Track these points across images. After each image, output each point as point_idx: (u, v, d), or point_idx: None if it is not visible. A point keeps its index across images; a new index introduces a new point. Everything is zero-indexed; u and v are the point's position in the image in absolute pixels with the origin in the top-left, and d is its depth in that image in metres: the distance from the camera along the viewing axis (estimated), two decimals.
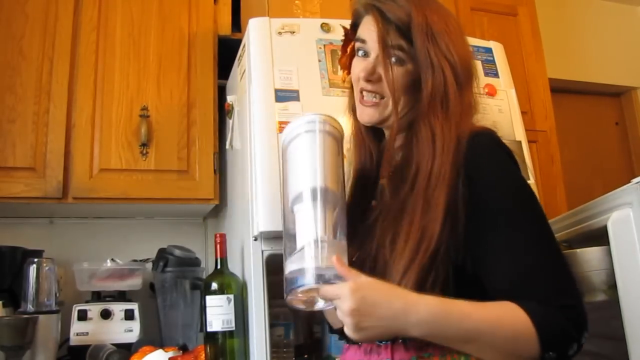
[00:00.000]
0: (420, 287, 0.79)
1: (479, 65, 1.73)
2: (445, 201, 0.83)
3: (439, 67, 0.90)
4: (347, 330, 0.78)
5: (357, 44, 0.98)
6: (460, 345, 0.79)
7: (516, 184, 0.86)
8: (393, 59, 0.92)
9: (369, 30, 0.94)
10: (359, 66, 0.96)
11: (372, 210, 0.98)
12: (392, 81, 0.91)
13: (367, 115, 0.97)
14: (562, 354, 0.77)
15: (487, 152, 0.87)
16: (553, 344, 0.75)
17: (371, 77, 0.94)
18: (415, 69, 0.92)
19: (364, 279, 0.79)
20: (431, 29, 0.91)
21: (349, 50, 1.04)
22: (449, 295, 0.78)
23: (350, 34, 1.03)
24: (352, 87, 1.03)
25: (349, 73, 1.03)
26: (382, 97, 0.95)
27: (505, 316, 0.77)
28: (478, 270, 0.83)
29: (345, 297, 0.76)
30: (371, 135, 1.04)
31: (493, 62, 1.75)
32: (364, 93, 0.96)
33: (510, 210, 0.83)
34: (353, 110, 1.04)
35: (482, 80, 1.71)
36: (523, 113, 1.85)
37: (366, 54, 0.96)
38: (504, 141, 0.90)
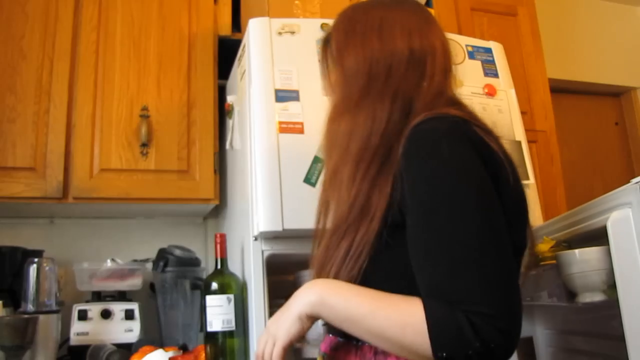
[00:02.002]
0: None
1: (478, 65, 1.73)
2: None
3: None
4: (271, 335, 0.87)
5: None
6: (349, 324, 0.80)
7: (441, 180, 0.78)
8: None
9: None
10: None
11: None
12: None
13: None
14: (455, 356, 0.71)
15: (414, 143, 0.81)
16: (445, 345, 0.71)
17: None
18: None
19: None
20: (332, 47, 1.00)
21: None
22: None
23: None
24: None
25: None
26: None
27: (401, 303, 0.76)
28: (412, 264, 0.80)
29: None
30: None
31: (493, 62, 1.75)
32: None
33: (434, 207, 0.77)
34: None
35: (482, 80, 1.71)
36: (523, 113, 1.85)
37: None
38: (477, 130, 0.83)
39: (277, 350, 0.84)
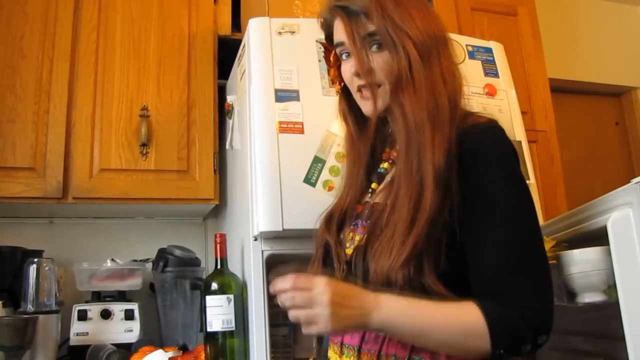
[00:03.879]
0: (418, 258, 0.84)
1: (478, 65, 1.73)
2: (431, 178, 0.86)
3: (399, 44, 0.91)
4: (324, 322, 0.80)
5: (338, 50, 1.00)
6: (415, 339, 0.84)
7: (512, 181, 0.88)
8: (374, 47, 0.94)
9: (341, 31, 0.96)
10: (346, 67, 0.99)
11: (375, 192, 1.01)
12: (369, 69, 0.93)
13: (367, 107, 0.98)
14: (513, 352, 0.81)
15: (486, 145, 0.89)
16: (504, 342, 0.80)
17: (364, 68, 0.94)
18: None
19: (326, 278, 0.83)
20: (386, 8, 0.92)
21: (332, 60, 1.05)
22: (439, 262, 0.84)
23: (328, 45, 1.05)
24: (341, 93, 1.06)
25: (340, 83, 1.04)
26: (378, 86, 0.95)
27: (460, 313, 0.82)
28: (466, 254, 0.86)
29: (321, 289, 0.80)
30: (362, 137, 1.06)
31: (493, 62, 1.75)
32: (361, 89, 0.98)
33: (501, 208, 0.85)
34: (344, 114, 1.07)
35: (482, 80, 1.71)
36: (523, 113, 1.85)
37: (349, 54, 0.98)
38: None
39: (317, 329, 0.81)
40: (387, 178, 1.00)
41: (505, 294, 0.81)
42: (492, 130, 0.90)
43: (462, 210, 0.85)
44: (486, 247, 0.84)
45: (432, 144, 0.87)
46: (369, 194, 1.02)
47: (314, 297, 0.80)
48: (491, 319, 0.79)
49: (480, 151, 0.87)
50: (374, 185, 1.02)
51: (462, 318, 0.81)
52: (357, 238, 0.96)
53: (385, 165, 1.03)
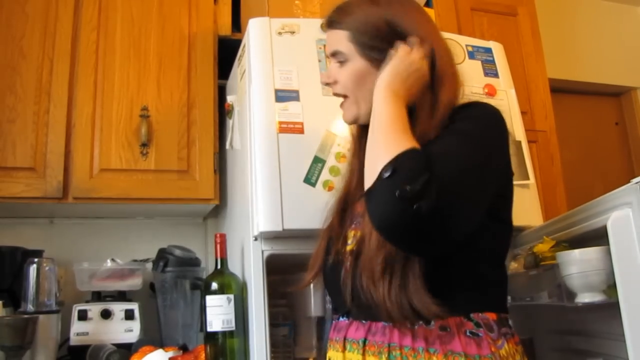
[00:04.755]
0: None
1: (478, 65, 1.73)
2: None
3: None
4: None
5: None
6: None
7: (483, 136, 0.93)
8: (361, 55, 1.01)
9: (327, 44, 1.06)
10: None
11: None
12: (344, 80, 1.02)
13: (343, 116, 1.07)
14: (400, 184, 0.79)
15: (473, 109, 0.98)
16: (400, 166, 0.80)
17: (328, 80, 1.05)
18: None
19: None
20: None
21: None
22: None
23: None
24: None
25: None
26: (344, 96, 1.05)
27: (401, 136, 0.85)
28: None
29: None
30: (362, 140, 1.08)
31: (493, 62, 1.75)
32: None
33: (466, 132, 0.91)
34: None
35: (482, 80, 1.71)
36: (523, 113, 1.85)
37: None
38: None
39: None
40: None
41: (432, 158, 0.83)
42: (482, 104, 0.99)
43: None
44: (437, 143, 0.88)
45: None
46: None
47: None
48: (408, 151, 0.82)
49: (464, 113, 0.95)
50: None
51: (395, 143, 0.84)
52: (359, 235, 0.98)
53: None
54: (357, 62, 1.00)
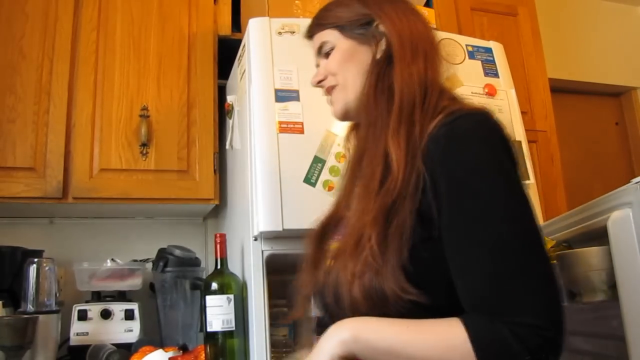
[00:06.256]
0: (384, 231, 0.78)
1: (478, 65, 1.73)
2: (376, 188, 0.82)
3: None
4: None
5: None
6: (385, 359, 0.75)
7: (486, 182, 0.76)
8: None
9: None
10: None
11: None
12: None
13: (333, 110, 1.01)
14: None
15: (461, 130, 0.79)
16: None
17: (319, 77, 1.03)
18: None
19: None
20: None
21: None
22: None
23: None
24: None
25: None
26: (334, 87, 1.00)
27: (440, 329, 0.72)
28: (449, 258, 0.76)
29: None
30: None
31: (493, 62, 1.75)
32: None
33: (484, 201, 0.74)
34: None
35: (482, 80, 1.71)
36: (523, 113, 1.85)
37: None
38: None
39: None
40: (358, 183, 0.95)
41: (494, 309, 0.70)
42: (471, 115, 0.81)
43: (434, 210, 0.77)
44: (469, 250, 0.73)
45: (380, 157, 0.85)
46: None
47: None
48: (476, 337, 0.69)
49: (452, 138, 0.78)
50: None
51: (441, 334, 0.72)
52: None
53: None
54: (344, 44, 0.97)
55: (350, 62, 0.96)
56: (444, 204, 0.76)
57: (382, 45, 0.93)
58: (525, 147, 1.69)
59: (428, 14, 1.95)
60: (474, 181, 0.75)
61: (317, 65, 1.04)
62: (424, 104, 0.85)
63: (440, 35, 1.78)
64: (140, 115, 1.74)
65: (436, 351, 0.71)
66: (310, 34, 1.05)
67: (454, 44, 1.74)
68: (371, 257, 0.77)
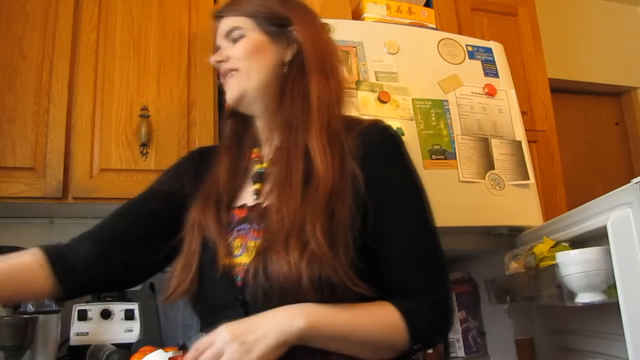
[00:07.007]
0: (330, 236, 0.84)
1: (478, 65, 1.73)
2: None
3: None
4: (240, 356, 0.76)
5: None
6: (339, 343, 0.83)
7: (414, 181, 0.94)
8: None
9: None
10: None
11: (260, 193, 0.97)
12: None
13: (228, 94, 1.04)
14: (429, 344, 0.91)
15: (382, 137, 0.95)
16: (421, 336, 0.86)
17: (219, 57, 1.03)
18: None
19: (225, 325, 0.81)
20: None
21: None
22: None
23: None
24: None
25: None
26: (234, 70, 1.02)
27: (379, 312, 0.85)
28: (377, 246, 0.88)
29: (220, 333, 0.79)
30: (239, 137, 1.10)
31: (493, 62, 1.76)
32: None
33: (407, 199, 0.92)
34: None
35: (482, 80, 1.71)
36: (523, 113, 1.85)
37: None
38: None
39: None
40: (272, 178, 0.95)
41: (416, 290, 0.87)
42: (384, 123, 0.98)
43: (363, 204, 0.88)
44: (394, 240, 0.88)
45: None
46: (254, 196, 0.97)
47: (217, 347, 0.77)
48: (407, 315, 0.84)
49: (376, 143, 0.92)
50: (257, 186, 0.98)
51: (381, 317, 0.85)
52: (252, 244, 0.90)
53: (264, 164, 1.01)
54: (255, 35, 0.98)
55: (258, 54, 0.98)
56: (376, 199, 0.88)
57: (293, 49, 0.98)
58: (525, 147, 1.69)
59: (428, 14, 1.95)
60: (406, 180, 0.92)
61: (217, 47, 1.04)
62: (339, 112, 0.97)
63: (440, 35, 1.79)
64: (140, 115, 1.74)
65: (379, 331, 0.84)
66: (222, 14, 1.03)
67: (454, 44, 1.74)
68: (317, 249, 0.81)
